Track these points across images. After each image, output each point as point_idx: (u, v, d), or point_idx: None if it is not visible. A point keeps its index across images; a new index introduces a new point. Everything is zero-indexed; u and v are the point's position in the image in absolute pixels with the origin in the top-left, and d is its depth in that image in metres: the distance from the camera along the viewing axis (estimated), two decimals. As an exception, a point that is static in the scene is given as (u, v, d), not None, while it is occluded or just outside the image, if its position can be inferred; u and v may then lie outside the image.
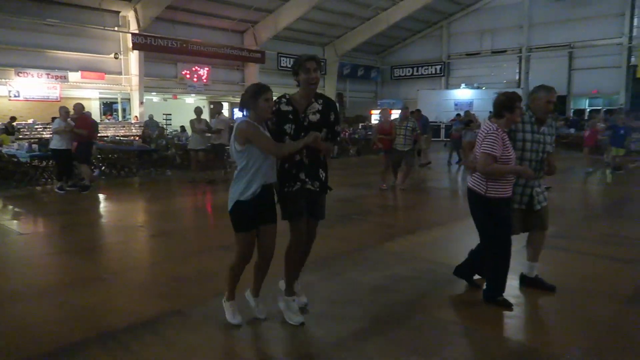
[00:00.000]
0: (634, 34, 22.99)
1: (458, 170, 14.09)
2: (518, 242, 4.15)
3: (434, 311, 3.80)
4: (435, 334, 3.39)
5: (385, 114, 10.64)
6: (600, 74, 23.64)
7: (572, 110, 25.06)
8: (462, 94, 27.59)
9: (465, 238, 6.45)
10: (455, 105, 27.10)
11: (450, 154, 15.30)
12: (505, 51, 27.00)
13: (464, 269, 4.28)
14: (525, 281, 4.24)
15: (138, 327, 3.46)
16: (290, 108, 3.41)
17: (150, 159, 12.91)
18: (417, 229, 6.62)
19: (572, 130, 19.87)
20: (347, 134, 20.66)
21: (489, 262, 3.88)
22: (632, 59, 22.93)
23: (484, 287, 3.98)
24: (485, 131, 3.66)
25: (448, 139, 19.15)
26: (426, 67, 30.13)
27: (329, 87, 28.44)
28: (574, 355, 3.10)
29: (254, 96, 3.22)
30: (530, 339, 3.41)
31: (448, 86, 29.39)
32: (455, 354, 3.10)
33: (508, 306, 3.78)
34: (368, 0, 24.05)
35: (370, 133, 21.40)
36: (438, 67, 29.60)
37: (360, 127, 23.80)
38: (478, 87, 27.50)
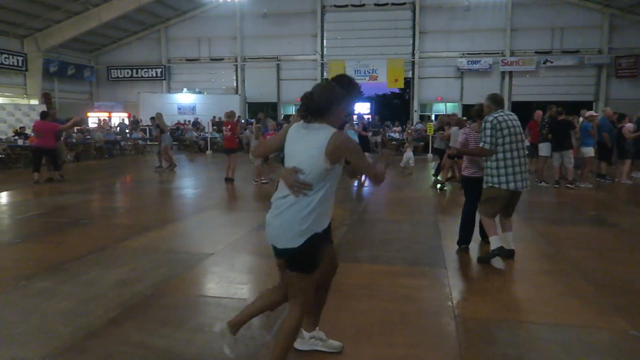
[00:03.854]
0: (325, 52, 27.71)
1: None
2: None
3: (179, 291, 4.18)
4: (182, 308, 3.79)
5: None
6: (302, 84, 27.48)
7: (283, 116, 28.53)
8: (185, 98, 28.12)
9: (200, 228, 6.98)
10: (179, 109, 27.50)
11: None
12: (222, 59, 28.72)
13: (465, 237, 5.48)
14: None
15: None
16: None
17: None
18: (153, 226, 6.78)
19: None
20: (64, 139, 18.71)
21: None
22: (325, 74, 27.60)
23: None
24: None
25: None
26: (146, 70, 29.49)
27: (32, 86, 24.95)
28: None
29: (343, 97, 2.56)
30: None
31: (170, 90, 29.47)
32: (200, 322, 3.56)
33: None
34: (75, -7, 22.16)
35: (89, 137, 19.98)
36: (159, 71, 29.35)
37: (75, 130, 21.78)
38: (200, 92, 28.49)
